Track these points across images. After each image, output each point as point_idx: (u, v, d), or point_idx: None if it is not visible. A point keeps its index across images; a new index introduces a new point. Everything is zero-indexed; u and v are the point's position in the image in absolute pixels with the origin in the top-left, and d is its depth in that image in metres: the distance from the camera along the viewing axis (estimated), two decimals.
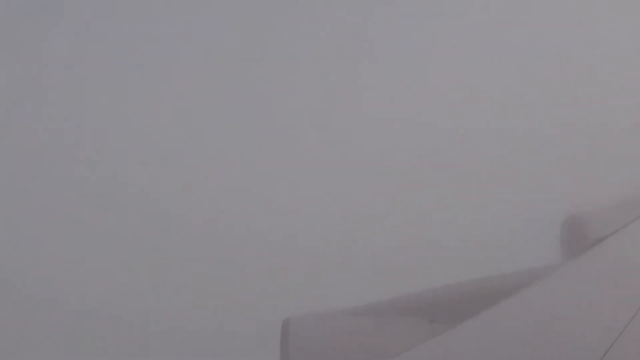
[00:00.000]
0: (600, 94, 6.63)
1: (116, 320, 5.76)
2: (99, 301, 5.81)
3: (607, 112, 6.65)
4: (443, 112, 6.49)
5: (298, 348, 3.26)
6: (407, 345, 2.67)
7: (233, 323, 5.74)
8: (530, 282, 3.11)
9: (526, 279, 3.16)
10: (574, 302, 2.88)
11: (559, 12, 6.66)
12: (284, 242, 6.16)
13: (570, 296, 3.00)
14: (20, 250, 5.84)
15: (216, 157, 6.22)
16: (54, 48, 5.96)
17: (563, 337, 2.49)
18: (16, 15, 5.85)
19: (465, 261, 5.84)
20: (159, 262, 5.96)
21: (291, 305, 3.86)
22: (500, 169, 6.45)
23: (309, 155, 6.30)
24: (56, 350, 5.69)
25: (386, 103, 6.48)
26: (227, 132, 6.24)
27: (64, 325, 5.76)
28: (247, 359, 5.33)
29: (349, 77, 6.37)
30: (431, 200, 6.32)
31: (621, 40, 6.68)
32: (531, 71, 6.62)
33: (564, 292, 3.06)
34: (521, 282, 3.12)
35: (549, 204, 6.06)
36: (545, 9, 6.66)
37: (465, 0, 6.55)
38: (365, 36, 6.40)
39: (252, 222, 6.21)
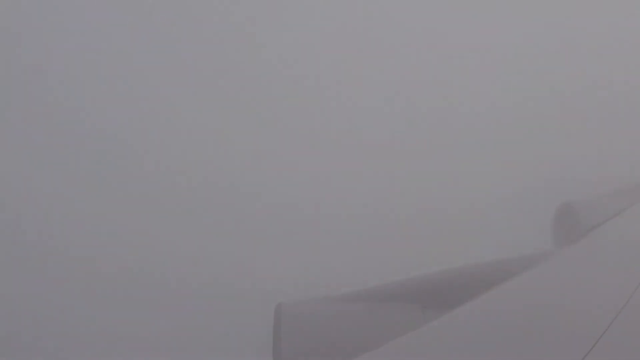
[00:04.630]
0: (597, 84, 6.64)
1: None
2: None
3: (602, 102, 6.66)
4: (438, 99, 6.49)
5: (291, 333, 3.26)
6: (399, 331, 2.67)
7: (226, 309, 5.74)
8: (523, 269, 3.11)
9: (519, 266, 3.16)
10: (567, 289, 2.88)
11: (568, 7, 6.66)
12: (276, 230, 6.16)
13: (563, 283, 3.00)
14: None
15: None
16: None
17: (555, 324, 2.50)
18: None
19: (458, 248, 5.85)
20: (157, 260, 5.96)
21: (284, 290, 3.87)
22: (494, 157, 6.45)
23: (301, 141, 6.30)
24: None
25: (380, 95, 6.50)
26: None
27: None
28: (240, 344, 5.33)
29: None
30: (424, 187, 6.32)
31: (621, 35, 6.69)
32: (531, 62, 6.62)
33: (557, 279, 3.06)
34: (514, 269, 3.13)
35: (542, 191, 6.07)
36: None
37: None
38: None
39: (245, 211, 6.21)
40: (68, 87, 6.06)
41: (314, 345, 3.26)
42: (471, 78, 6.56)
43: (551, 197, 4.69)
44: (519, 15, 6.64)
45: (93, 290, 5.82)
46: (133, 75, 6.15)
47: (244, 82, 6.31)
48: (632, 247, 3.28)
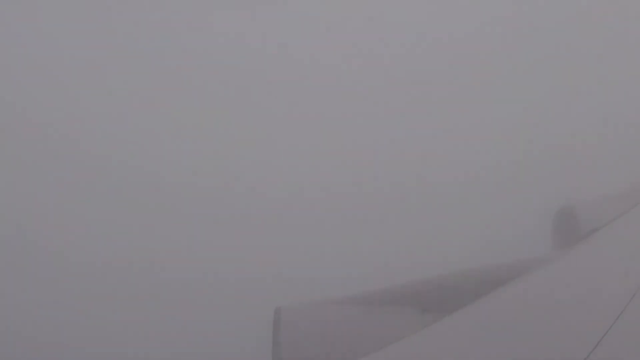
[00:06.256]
0: (595, 90, 6.66)
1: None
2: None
3: (600, 107, 6.67)
4: (440, 114, 6.52)
5: (290, 337, 3.25)
6: (399, 335, 2.67)
7: (226, 312, 5.74)
8: (523, 273, 3.10)
9: (518, 270, 3.16)
10: (567, 292, 2.88)
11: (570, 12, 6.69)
12: (275, 231, 6.17)
13: (563, 286, 3.00)
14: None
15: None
16: None
17: (555, 327, 2.49)
18: None
19: (458, 252, 5.85)
20: (158, 259, 5.97)
21: (283, 294, 3.86)
22: (492, 162, 6.46)
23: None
24: None
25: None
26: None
27: None
28: (239, 347, 5.33)
29: None
30: (424, 191, 6.33)
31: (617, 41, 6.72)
32: (529, 71, 6.65)
33: (556, 282, 3.06)
34: (513, 273, 3.12)
35: (541, 195, 6.08)
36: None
37: None
38: None
39: (245, 213, 6.22)
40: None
41: (313, 349, 3.25)
42: (472, 80, 6.58)
43: (550, 200, 4.69)
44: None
45: (93, 291, 5.82)
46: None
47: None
48: (633, 249, 3.27)
